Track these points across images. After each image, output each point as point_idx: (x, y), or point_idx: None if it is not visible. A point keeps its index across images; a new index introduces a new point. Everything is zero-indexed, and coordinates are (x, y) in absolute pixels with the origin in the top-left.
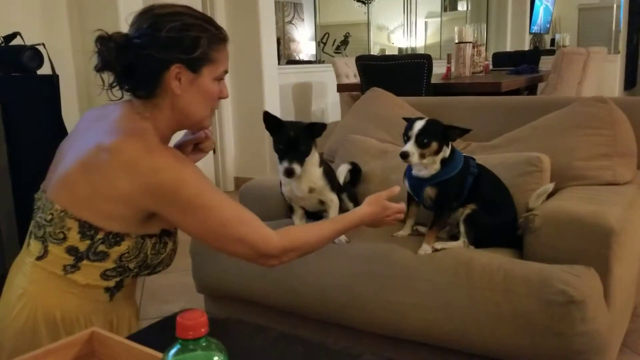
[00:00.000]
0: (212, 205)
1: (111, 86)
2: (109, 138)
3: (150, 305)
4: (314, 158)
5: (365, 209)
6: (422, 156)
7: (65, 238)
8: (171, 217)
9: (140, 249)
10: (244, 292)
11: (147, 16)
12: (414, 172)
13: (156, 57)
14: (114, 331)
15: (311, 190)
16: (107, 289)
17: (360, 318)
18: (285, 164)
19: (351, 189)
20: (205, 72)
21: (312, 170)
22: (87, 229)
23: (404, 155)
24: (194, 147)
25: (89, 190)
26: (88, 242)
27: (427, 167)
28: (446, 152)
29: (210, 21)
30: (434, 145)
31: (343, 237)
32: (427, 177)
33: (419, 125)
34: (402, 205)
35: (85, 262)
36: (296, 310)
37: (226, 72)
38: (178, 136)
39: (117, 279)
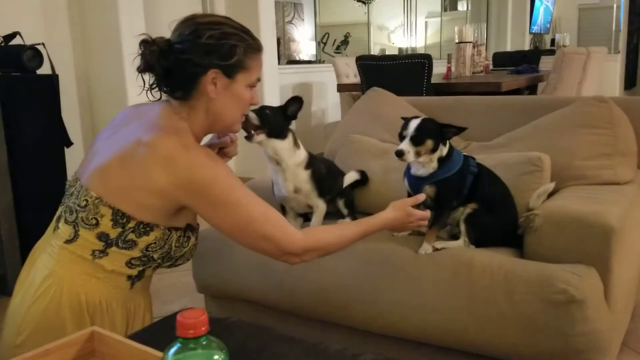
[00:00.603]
0: (241, 202)
1: (151, 87)
2: (148, 134)
3: (152, 305)
4: (295, 153)
5: (389, 214)
6: (417, 154)
7: (97, 224)
8: (201, 211)
9: (166, 240)
10: (245, 292)
11: (189, 24)
12: (413, 171)
13: (195, 62)
14: (130, 318)
15: (296, 191)
16: (129, 277)
17: (360, 318)
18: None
19: (350, 194)
20: (240, 78)
21: (296, 170)
22: (119, 217)
23: (399, 154)
24: (219, 150)
25: (125, 181)
26: (119, 229)
27: (425, 165)
28: (443, 150)
29: (247, 31)
30: (429, 143)
31: None
32: (425, 176)
33: (414, 124)
34: (427, 213)
35: (114, 248)
36: (297, 310)
37: (259, 79)
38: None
39: (140, 268)
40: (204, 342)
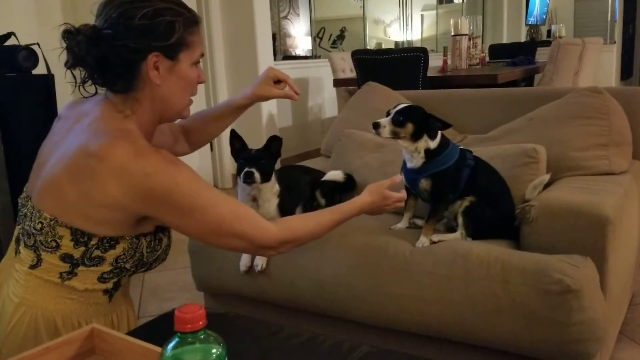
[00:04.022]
0: (208, 204)
1: (83, 82)
2: (95, 142)
3: (151, 303)
4: (274, 188)
5: (365, 198)
6: (395, 134)
7: (58, 246)
8: (166, 220)
9: (135, 249)
10: (243, 288)
11: (114, 4)
12: (408, 164)
13: (131, 47)
14: (115, 329)
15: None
16: (105, 291)
17: (358, 310)
18: (246, 168)
19: (327, 187)
20: (183, 57)
21: (271, 200)
22: (80, 236)
23: (375, 126)
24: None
25: (78, 197)
26: (82, 248)
27: (413, 155)
28: (429, 143)
29: (180, 3)
30: (410, 127)
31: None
32: (419, 169)
33: (401, 105)
34: (403, 194)
35: (81, 268)
36: (295, 305)
37: (202, 55)
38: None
39: (115, 279)
40: (202, 336)
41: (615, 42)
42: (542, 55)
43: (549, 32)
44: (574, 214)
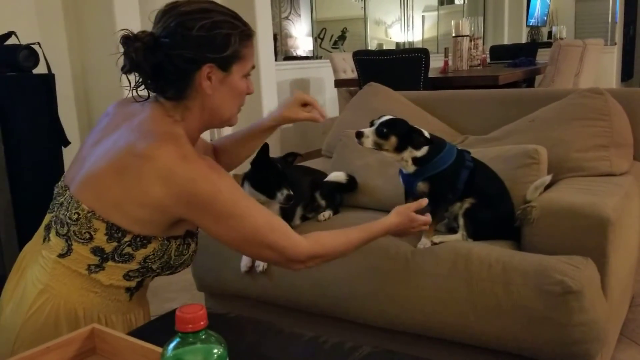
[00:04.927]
0: (245, 213)
1: (137, 86)
2: (143, 142)
3: (152, 303)
4: None
5: (392, 220)
6: (377, 145)
7: (91, 238)
8: (204, 225)
9: (165, 250)
10: (244, 288)
11: (173, 14)
12: (402, 170)
13: (187, 57)
14: (132, 329)
15: None
16: (127, 289)
17: (359, 311)
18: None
19: (327, 188)
20: (235, 69)
21: (275, 207)
22: (114, 231)
23: (358, 135)
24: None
25: (119, 194)
26: (115, 244)
27: (402, 164)
28: (415, 152)
29: (236, 16)
30: (393, 139)
31: None
32: (413, 174)
33: (385, 117)
34: (428, 217)
35: (110, 262)
36: (296, 306)
37: (253, 67)
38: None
39: (139, 279)
40: (203, 337)
41: (616, 44)
42: (543, 56)
43: (549, 33)
44: (575, 215)
